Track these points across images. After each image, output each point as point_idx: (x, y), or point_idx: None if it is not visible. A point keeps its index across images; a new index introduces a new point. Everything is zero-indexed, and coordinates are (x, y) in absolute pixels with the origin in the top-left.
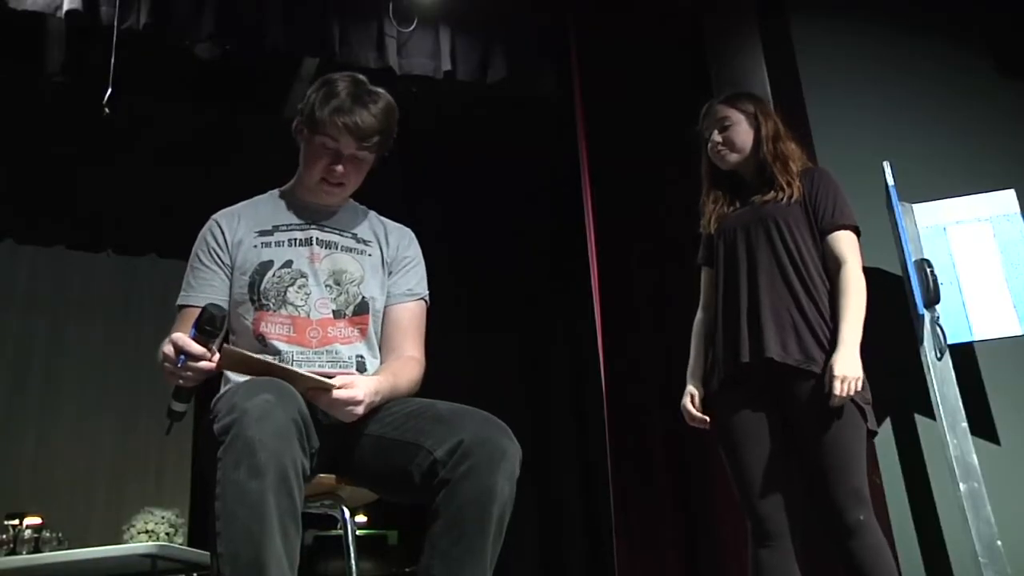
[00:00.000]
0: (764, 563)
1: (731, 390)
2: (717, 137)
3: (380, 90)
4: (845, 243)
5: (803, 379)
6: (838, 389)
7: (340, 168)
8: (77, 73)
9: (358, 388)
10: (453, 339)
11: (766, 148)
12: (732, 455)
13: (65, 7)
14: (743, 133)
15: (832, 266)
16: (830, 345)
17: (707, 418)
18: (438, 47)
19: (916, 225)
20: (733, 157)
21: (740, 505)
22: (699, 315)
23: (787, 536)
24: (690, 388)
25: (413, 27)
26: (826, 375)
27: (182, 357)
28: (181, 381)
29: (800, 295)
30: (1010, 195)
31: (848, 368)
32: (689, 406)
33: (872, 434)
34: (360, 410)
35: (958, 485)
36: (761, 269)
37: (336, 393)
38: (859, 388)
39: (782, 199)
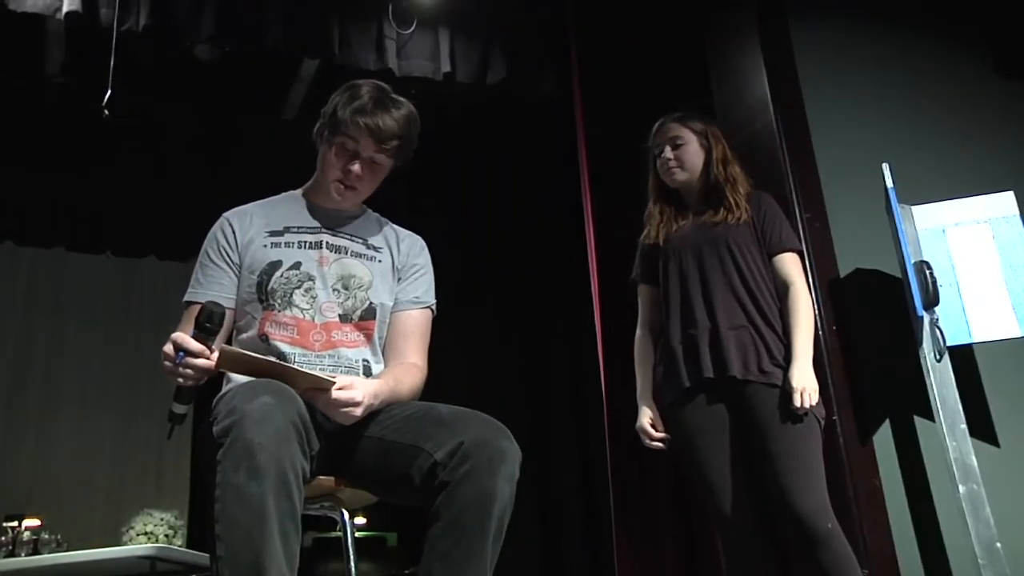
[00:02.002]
0: (738, 561)
1: (689, 399)
2: (669, 154)
3: (404, 99)
4: (791, 265)
5: (763, 392)
6: (797, 400)
7: (356, 169)
8: (77, 74)
9: (357, 390)
10: (453, 340)
11: (717, 170)
12: (693, 460)
13: (65, 8)
14: (693, 153)
15: (780, 286)
16: (784, 360)
17: (666, 437)
18: (437, 48)
19: (915, 227)
20: (683, 176)
21: (705, 510)
22: (640, 333)
23: (758, 533)
24: (644, 409)
25: (412, 28)
26: (785, 387)
27: (181, 354)
28: (181, 380)
29: (755, 314)
30: (1009, 197)
31: (806, 380)
32: (647, 427)
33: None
34: (358, 412)
35: (957, 487)
36: (716, 289)
37: (335, 393)
38: (816, 400)
39: (731, 220)
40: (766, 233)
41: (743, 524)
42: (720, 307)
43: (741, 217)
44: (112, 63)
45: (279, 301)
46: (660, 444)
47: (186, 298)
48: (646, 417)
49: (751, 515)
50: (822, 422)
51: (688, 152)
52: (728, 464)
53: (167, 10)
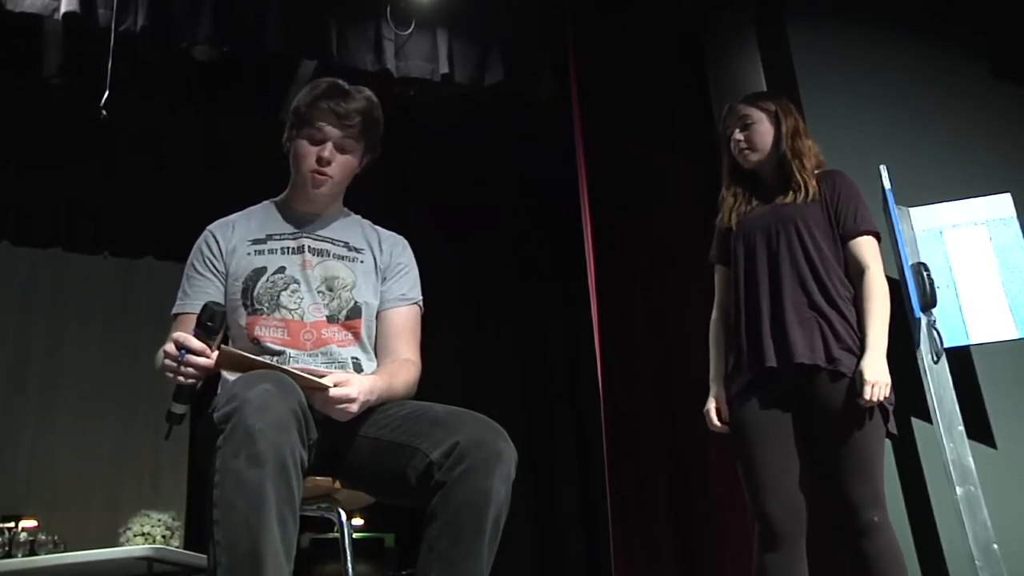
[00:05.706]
0: (770, 567)
1: (752, 392)
2: (739, 136)
3: (363, 87)
4: (867, 249)
5: (829, 380)
6: (868, 394)
7: (327, 153)
8: (75, 75)
9: (353, 386)
10: (451, 340)
11: (785, 144)
12: (746, 455)
13: (63, 9)
14: (763, 132)
15: (855, 271)
16: (857, 348)
17: (727, 427)
18: (436, 50)
19: (913, 229)
20: (755, 156)
21: (749, 506)
22: (715, 315)
23: (796, 540)
24: (713, 393)
25: (411, 30)
26: (856, 379)
27: (183, 351)
28: (181, 378)
29: (821, 299)
30: (1006, 199)
31: (878, 374)
32: (712, 413)
33: (892, 436)
34: (355, 408)
35: (955, 489)
36: (783, 272)
37: (332, 391)
38: (887, 394)
39: (800, 200)
40: (839, 215)
41: (784, 526)
42: (787, 292)
43: (811, 196)
44: (110, 64)
45: (267, 305)
46: (724, 430)
47: (175, 310)
48: (712, 402)
49: (795, 519)
50: (890, 409)
51: (758, 132)
52: (780, 463)
53: (165, 11)
